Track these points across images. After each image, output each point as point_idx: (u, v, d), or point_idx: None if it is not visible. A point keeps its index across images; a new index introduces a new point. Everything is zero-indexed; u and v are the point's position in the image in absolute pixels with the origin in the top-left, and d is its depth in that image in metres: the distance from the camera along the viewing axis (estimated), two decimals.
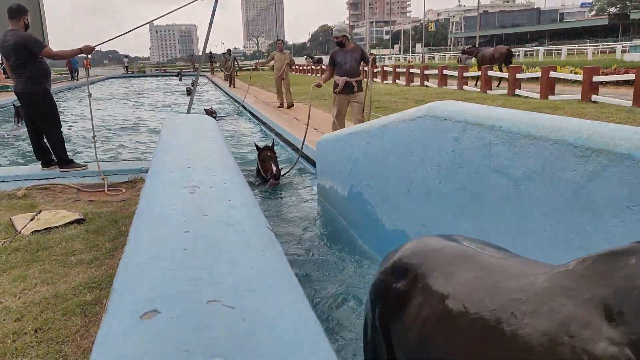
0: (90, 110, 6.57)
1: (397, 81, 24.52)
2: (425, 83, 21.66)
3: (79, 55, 6.21)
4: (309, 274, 3.88)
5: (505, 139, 2.52)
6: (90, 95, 6.36)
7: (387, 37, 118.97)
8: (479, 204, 2.76)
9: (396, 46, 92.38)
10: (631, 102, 10.96)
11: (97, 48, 6.29)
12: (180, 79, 39.78)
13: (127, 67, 57.26)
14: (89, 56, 6.55)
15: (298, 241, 4.53)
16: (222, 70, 30.65)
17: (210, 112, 13.23)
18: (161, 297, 0.70)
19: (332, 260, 4.11)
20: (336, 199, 5.02)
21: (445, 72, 20.58)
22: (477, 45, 31.26)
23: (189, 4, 6.65)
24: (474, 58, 23.01)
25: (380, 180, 3.95)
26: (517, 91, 15.26)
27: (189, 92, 8.62)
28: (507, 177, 2.51)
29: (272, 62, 15.08)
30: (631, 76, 11.82)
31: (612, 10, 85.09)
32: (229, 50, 28.65)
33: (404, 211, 3.60)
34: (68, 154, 6.50)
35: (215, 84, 31.21)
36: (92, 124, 6.59)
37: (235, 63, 27.11)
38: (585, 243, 2.04)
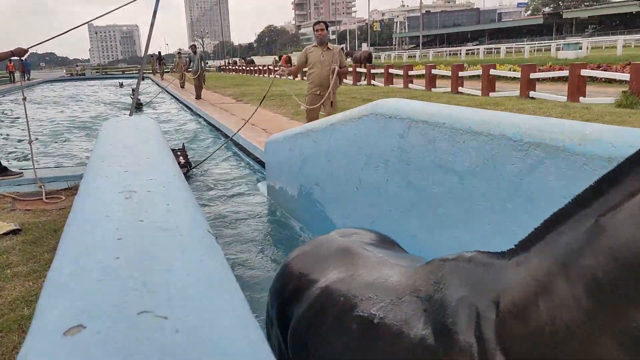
0: (26, 115, 6.28)
1: (344, 80, 24.68)
2: (372, 82, 21.94)
3: (18, 58, 5.90)
4: (255, 275, 3.82)
5: (448, 135, 2.57)
6: (24, 99, 6.07)
7: (334, 37, 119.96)
8: (425, 200, 2.81)
9: (342, 46, 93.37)
10: (566, 97, 11.49)
11: (30, 50, 6.01)
12: (121, 85, 32.05)
13: (80, 72, 58.96)
14: (24, 58, 6.25)
15: (245, 243, 4.46)
16: (186, 73, 20.62)
17: (178, 154, 7.34)
18: (88, 311, 0.66)
19: (280, 258, 4.08)
20: (286, 198, 4.98)
21: (391, 71, 20.90)
22: (420, 45, 36.00)
23: (128, 3, 6.43)
24: (349, 59, 28.51)
25: (329, 179, 3.95)
26: (460, 89, 15.71)
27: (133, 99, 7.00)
28: (452, 173, 2.56)
29: (305, 67, 7.19)
30: (565, 73, 12.37)
31: (547, 10, 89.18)
32: (194, 46, 19.66)
33: (353, 209, 3.61)
34: (1, 160, 6.17)
35: (173, 95, 21.86)
36: (29, 129, 6.29)
37: (202, 64, 18.52)
38: (525, 233, 2.10)
